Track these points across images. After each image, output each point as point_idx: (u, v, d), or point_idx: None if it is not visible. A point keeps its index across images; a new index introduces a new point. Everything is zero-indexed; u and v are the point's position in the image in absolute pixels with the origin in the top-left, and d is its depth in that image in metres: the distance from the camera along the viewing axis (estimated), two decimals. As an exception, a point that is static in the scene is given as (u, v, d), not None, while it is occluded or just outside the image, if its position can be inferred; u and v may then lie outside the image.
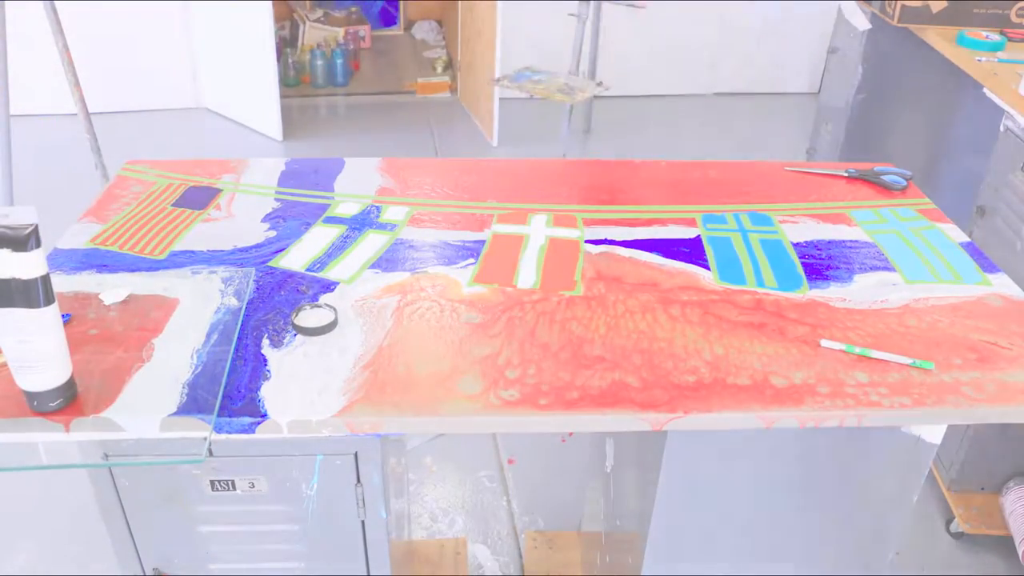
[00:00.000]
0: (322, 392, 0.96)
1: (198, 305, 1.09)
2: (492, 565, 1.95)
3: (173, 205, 1.36)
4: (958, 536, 2.04)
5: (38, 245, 0.83)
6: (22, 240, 0.81)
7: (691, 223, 1.36)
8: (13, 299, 0.84)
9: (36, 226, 0.83)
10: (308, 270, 1.20)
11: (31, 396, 0.89)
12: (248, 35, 3.97)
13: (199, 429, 0.90)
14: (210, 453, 0.99)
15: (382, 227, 1.32)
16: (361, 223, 1.33)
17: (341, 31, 5.13)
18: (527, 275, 1.20)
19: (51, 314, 0.87)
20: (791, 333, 1.09)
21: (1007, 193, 1.97)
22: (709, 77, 4.98)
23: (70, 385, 0.91)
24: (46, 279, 0.85)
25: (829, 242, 1.32)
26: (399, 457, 1.47)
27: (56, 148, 3.82)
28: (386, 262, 1.22)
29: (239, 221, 1.33)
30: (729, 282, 1.20)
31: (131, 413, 0.91)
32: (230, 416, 0.92)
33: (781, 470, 1.11)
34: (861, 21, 3.19)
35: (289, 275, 1.18)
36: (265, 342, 1.04)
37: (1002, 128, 2.03)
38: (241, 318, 1.07)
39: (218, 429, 0.91)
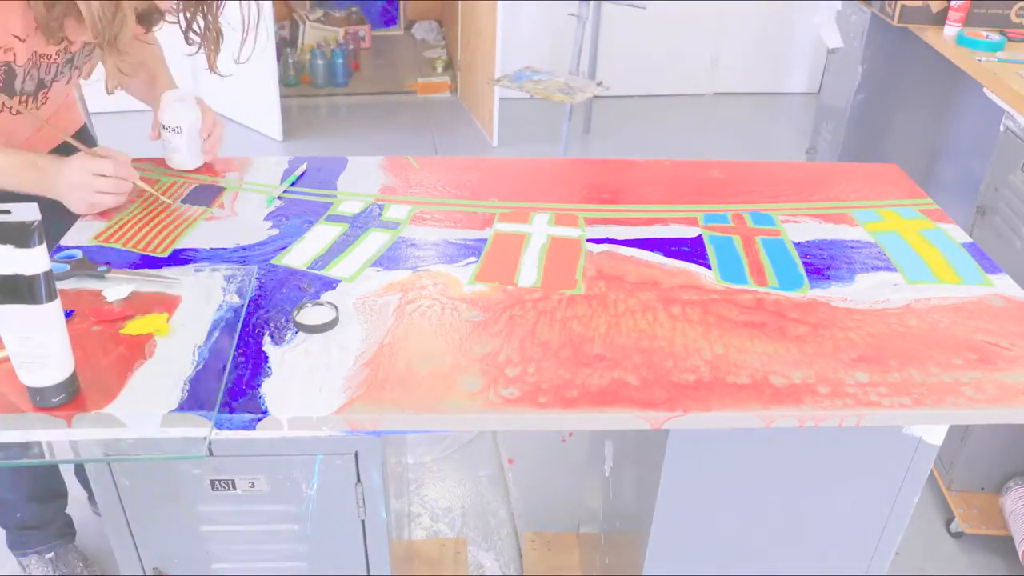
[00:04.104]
0: (323, 389, 0.96)
1: (200, 302, 1.09)
2: (492, 565, 1.95)
3: (182, 202, 1.36)
4: (958, 536, 2.04)
5: (41, 241, 0.83)
6: (25, 236, 0.82)
7: (692, 222, 1.36)
8: (16, 295, 0.84)
9: (39, 222, 0.83)
10: (310, 268, 1.20)
11: (34, 392, 0.90)
12: (248, 35, 3.96)
13: (200, 425, 0.91)
14: (210, 452, 0.99)
15: (384, 225, 1.32)
16: (363, 221, 1.33)
17: (341, 31, 5.13)
18: (528, 274, 1.20)
19: (53, 310, 0.87)
20: (791, 333, 1.09)
21: (1007, 193, 1.97)
22: (709, 77, 4.98)
23: (72, 381, 0.91)
24: (48, 275, 0.85)
25: (831, 242, 1.32)
26: (400, 457, 1.47)
27: (56, 147, 3.82)
28: (388, 260, 1.22)
29: (242, 219, 1.33)
30: (730, 281, 1.20)
31: (133, 409, 0.91)
32: (231, 413, 0.92)
33: (781, 470, 1.11)
34: (834, 40, 3.22)
35: (291, 273, 1.18)
36: (266, 339, 1.04)
37: (1002, 128, 2.03)
38: (243, 315, 1.07)
39: (219, 425, 0.91)
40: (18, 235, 0.81)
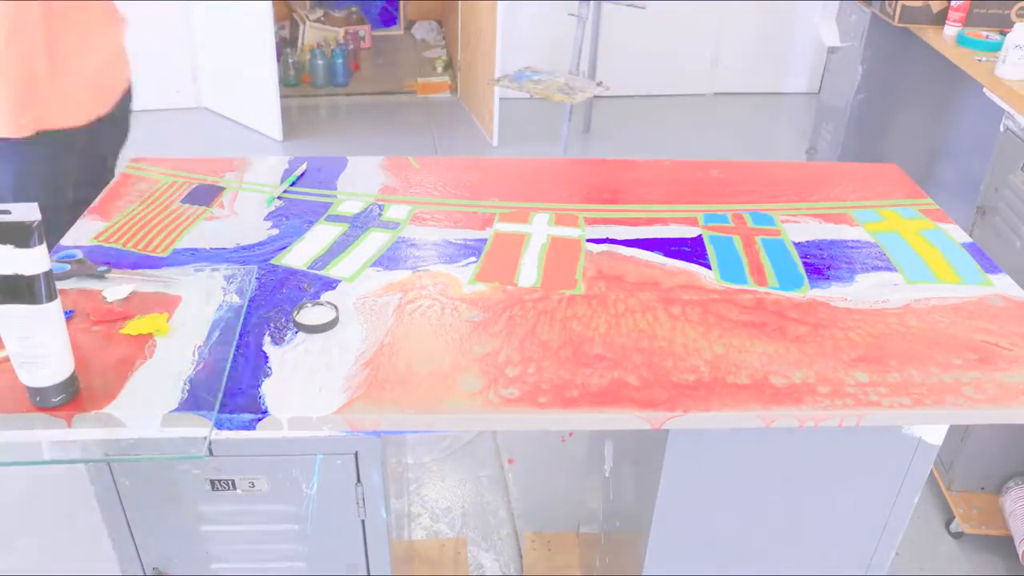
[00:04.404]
0: (323, 389, 0.96)
1: (200, 302, 1.09)
2: (492, 565, 1.95)
3: (182, 202, 1.36)
4: (958, 536, 2.04)
5: (41, 241, 0.83)
6: (25, 236, 0.82)
7: (693, 222, 1.36)
8: (16, 295, 0.84)
9: (39, 222, 0.83)
10: (310, 268, 1.20)
11: (33, 392, 0.90)
12: (248, 35, 3.97)
13: (200, 425, 0.91)
14: (210, 452, 0.99)
15: (384, 225, 1.32)
16: (363, 221, 1.33)
17: (341, 31, 5.13)
18: (528, 273, 1.20)
19: (53, 310, 0.87)
20: (791, 333, 1.09)
21: (1007, 193, 1.97)
22: (709, 77, 4.98)
23: (72, 381, 0.91)
24: (48, 275, 0.85)
25: (831, 242, 1.32)
26: (400, 458, 1.47)
27: (56, 147, 3.82)
28: (388, 260, 1.22)
29: (242, 219, 1.33)
30: (730, 281, 1.20)
31: (133, 409, 0.91)
32: (231, 413, 0.92)
33: (781, 470, 1.11)
34: (832, 38, 3.23)
35: (291, 273, 1.18)
36: (266, 339, 1.04)
37: (1002, 128, 2.03)
38: (243, 315, 1.07)
39: (219, 425, 0.91)
40: (18, 235, 0.81)
